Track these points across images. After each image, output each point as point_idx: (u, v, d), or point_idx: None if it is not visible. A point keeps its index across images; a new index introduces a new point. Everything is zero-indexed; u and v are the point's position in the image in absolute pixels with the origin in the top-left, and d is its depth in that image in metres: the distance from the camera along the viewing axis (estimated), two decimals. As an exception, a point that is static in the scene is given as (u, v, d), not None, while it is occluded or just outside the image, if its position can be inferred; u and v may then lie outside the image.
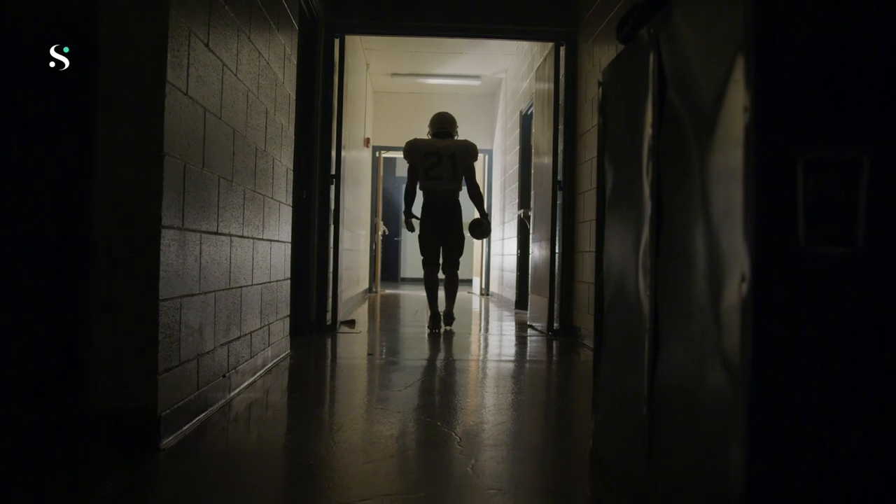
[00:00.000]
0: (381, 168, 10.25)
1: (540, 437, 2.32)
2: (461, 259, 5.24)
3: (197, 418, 2.18)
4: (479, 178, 10.42)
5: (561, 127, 5.03)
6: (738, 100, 0.92)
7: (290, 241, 3.70)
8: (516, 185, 7.69)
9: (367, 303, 8.18)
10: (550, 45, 5.24)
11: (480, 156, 10.25)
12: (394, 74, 9.05)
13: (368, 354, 3.89)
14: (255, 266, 2.94)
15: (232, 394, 2.60)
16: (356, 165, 7.74)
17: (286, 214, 3.58)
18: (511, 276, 7.79)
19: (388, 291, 10.68)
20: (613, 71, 1.57)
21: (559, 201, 5.00)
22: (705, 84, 1.06)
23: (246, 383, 2.81)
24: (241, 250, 2.72)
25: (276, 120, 3.30)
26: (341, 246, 5.40)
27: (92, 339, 1.84)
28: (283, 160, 3.50)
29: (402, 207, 5.36)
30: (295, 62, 3.75)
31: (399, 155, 10.29)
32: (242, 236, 2.73)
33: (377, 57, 8.40)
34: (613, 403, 1.57)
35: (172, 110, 1.93)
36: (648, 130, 1.30)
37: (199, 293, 2.21)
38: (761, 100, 0.89)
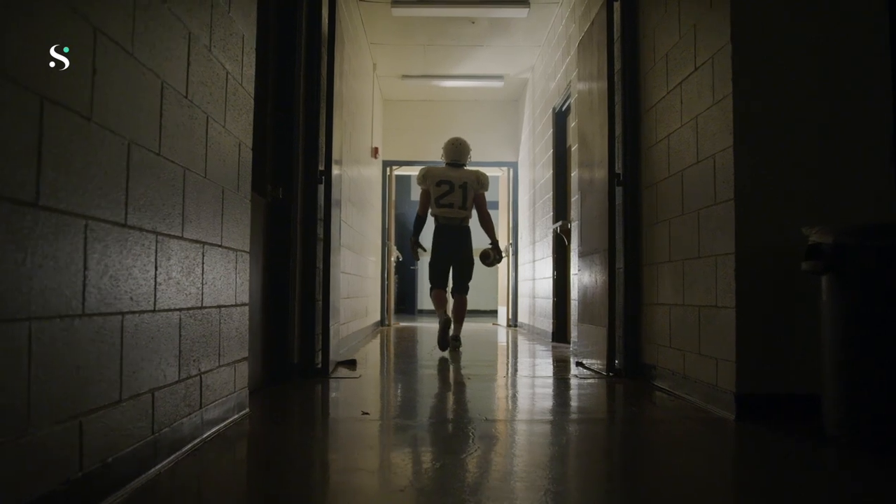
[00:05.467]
0: (392, 186, 9.14)
1: None
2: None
3: None
4: (503, 195, 9.30)
5: (618, 108, 3.86)
6: None
7: (246, 249, 2.54)
8: (549, 196, 6.50)
9: (377, 338, 6.98)
10: (599, 5, 4.12)
11: (504, 170, 9.16)
12: (404, 76, 7.95)
13: (363, 413, 2.69)
14: (162, 280, 1.78)
15: (95, 510, 1.42)
16: (363, 181, 6.62)
17: (238, 209, 2.43)
18: (545, 303, 6.56)
19: (402, 325, 9.47)
20: None
21: (619, 201, 3.81)
22: None
23: (136, 484, 1.62)
24: (125, 250, 1.56)
25: (214, 59, 2.16)
26: (338, 268, 4.24)
27: None
28: (232, 127, 2.36)
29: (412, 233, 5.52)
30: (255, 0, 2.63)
31: (413, 173, 9.18)
32: (126, 225, 1.57)
33: (385, 54, 7.33)
34: None
35: None
36: None
37: (-35, 324, 1.04)
38: None
